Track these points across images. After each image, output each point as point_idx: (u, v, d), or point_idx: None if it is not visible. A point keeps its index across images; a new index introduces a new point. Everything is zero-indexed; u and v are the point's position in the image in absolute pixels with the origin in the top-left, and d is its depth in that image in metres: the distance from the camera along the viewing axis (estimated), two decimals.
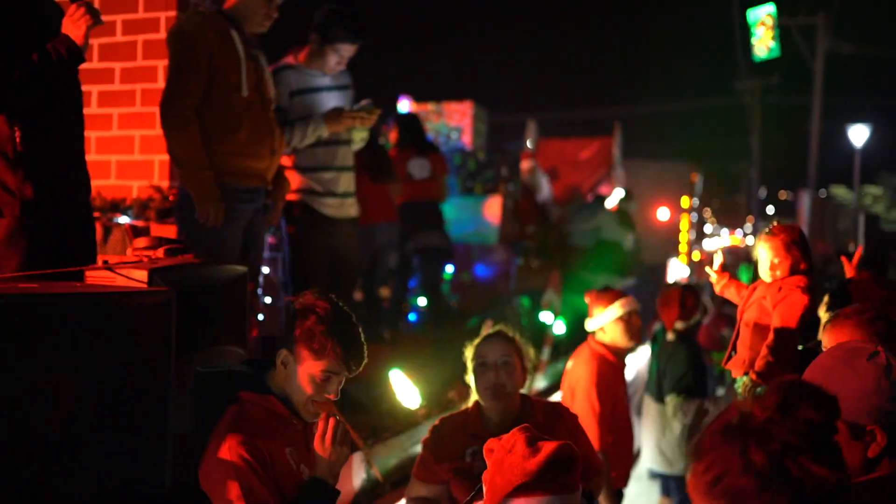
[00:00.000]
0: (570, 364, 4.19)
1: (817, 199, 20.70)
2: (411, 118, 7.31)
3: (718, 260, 3.55)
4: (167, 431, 2.25)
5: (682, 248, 18.00)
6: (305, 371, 2.30)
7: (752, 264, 3.49)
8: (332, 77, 4.65)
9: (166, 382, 2.24)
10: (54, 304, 2.08)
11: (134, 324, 2.18)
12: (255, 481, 2.15)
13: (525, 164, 9.90)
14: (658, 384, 5.01)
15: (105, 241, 4.11)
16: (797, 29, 22.92)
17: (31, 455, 2.00)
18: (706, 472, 1.39)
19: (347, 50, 4.57)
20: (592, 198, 11.50)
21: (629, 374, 7.86)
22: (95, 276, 2.54)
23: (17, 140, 2.82)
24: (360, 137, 4.73)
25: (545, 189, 10.37)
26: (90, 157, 4.23)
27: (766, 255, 3.22)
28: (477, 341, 2.99)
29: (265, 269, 4.57)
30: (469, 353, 2.97)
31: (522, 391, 3.00)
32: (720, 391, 5.30)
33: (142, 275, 2.47)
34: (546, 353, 6.84)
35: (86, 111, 3.17)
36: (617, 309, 4.04)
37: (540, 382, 6.57)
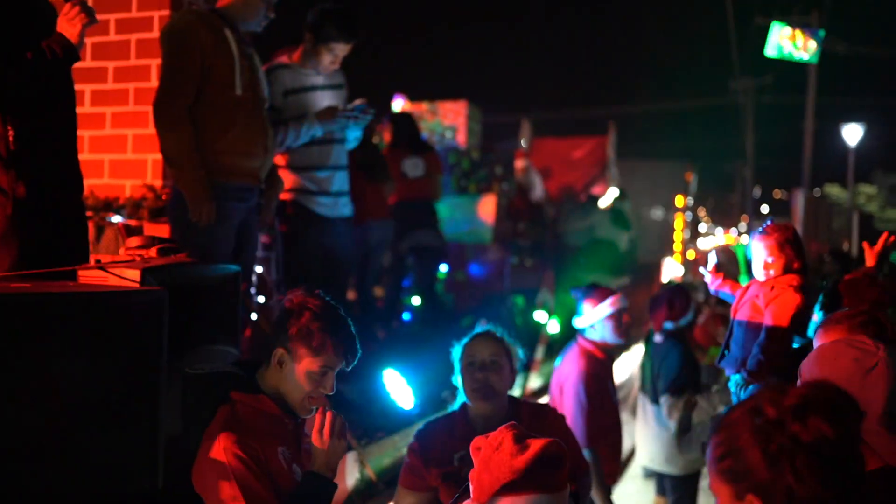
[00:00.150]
0: (557, 361, 4.21)
1: (811, 198, 20.70)
2: (405, 117, 7.30)
3: (713, 260, 3.55)
4: (159, 431, 2.24)
5: (677, 246, 18.05)
6: (304, 368, 2.30)
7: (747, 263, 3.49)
8: (325, 76, 4.64)
9: (158, 382, 2.24)
10: (47, 304, 2.07)
11: (126, 323, 2.18)
12: (253, 479, 2.15)
13: (519, 164, 9.90)
14: (653, 384, 5.02)
15: (98, 241, 4.10)
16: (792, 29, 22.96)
17: (23, 454, 2.00)
18: (716, 447, 1.40)
19: (341, 49, 4.57)
20: (585, 197, 11.51)
21: (625, 374, 7.90)
22: (88, 276, 2.53)
23: (10, 139, 2.81)
24: (353, 137, 4.73)
25: (539, 188, 10.39)
26: (83, 157, 4.22)
27: (759, 254, 3.22)
28: (465, 341, 2.92)
29: (258, 269, 4.56)
30: (457, 353, 2.91)
31: (511, 393, 2.96)
32: (715, 388, 5.29)
33: (134, 274, 2.46)
34: (540, 352, 6.85)
35: (79, 110, 3.17)
36: (607, 306, 4.05)
37: (534, 382, 6.58)
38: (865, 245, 3.66)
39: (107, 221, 4.23)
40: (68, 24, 2.93)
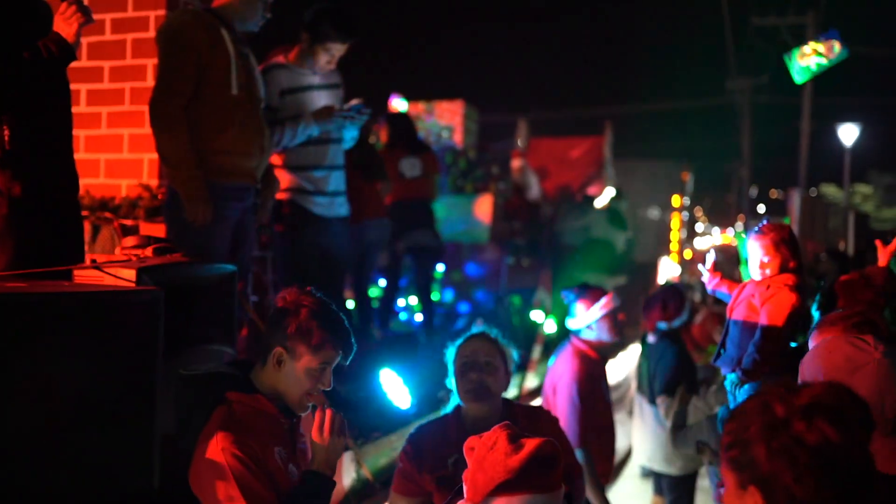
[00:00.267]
0: (551, 361, 4.20)
1: (808, 197, 20.73)
2: (402, 117, 7.30)
3: (711, 259, 3.55)
4: (155, 431, 2.24)
5: (674, 246, 18.06)
6: (304, 366, 2.30)
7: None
8: (322, 76, 4.64)
9: (154, 382, 2.24)
10: (42, 304, 2.07)
11: (122, 323, 2.18)
12: (252, 479, 2.14)
13: (515, 163, 9.91)
14: (649, 385, 5.02)
15: (94, 240, 4.10)
16: (787, 29, 23.00)
17: (19, 454, 1.99)
18: (727, 434, 1.41)
19: (338, 49, 4.56)
20: (581, 198, 11.52)
21: (621, 374, 7.91)
22: (84, 276, 2.53)
23: (6, 139, 2.81)
24: (349, 136, 4.73)
25: (535, 188, 10.40)
26: (79, 156, 4.21)
27: (755, 253, 3.23)
28: (459, 342, 2.88)
29: (254, 268, 4.56)
30: (451, 354, 2.87)
31: (507, 393, 2.93)
32: (713, 388, 5.30)
33: (130, 274, 2.46)
34: (537, 351, 6.85)
35: (75, 110, 3.16)
36: (602, 307, 4.05)
37: (531, 381, 6.58)
38: (878, 244, 3.65)
39: (103, 221, 4.23)
40: (65, 24, 2.93)
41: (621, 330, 4.16)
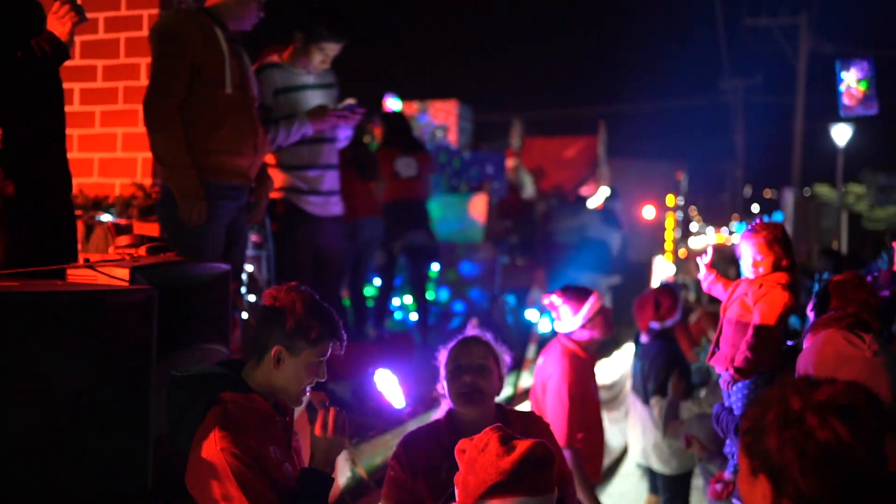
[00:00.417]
0: (540, 360, 4.19)
1: (801, 197, 20.80)
2: (398, 116, 7.30)
3: (709, 255, 3.54)
4: (149, 430, 2.24)
5: (668, 245, 18.09)
6: (304, 361, 2.31)
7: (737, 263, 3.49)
8: (316, 75, 4.64)
9: (148, 381, 2.23)
10: (35, 303, 2.06)
11: (115, 322, 2.17)
12: (253, 477, 2.13)
13: (509, 163, 9.92)
14: (643, 385, 5.02)
15: (87, 239, 4.09)
16: (780, 29, 23.07)
17: (12, 453, 1.99)
18: (745, 420, 1.42)
19: (332, 49, 4.56)
20: (574, 198, 11.53)
21: (616, 373, 7.91)
22: (77, 275, 2.52)
23: None
24: (344, 136, 4.73)
25: (529, 187, 10.41)
26: (72, 155, 4.20)
27: (748, 252, 3.23)
28: (451, 345, 2.80)
29: (249, 268, 4.55)
30: (443, 358, 2.80)
31: (502, 394, 2.89)
32: (703, 393, 5.31)
33: (123, 273, 2.46)
34: (532, 350, 6.85)
35: (68, 109, 3.15)
36: (590, 308, 4.05)
37: (526, 380, 6.58)
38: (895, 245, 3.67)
39: (96, 220, 4.22)
40: (58, 23, 2.92)
41: (612, 325, 4.17)
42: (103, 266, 2.51)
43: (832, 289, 3.21)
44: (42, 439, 2.04)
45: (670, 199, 18.45)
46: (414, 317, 7.00)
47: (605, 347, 8.57)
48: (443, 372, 2.78)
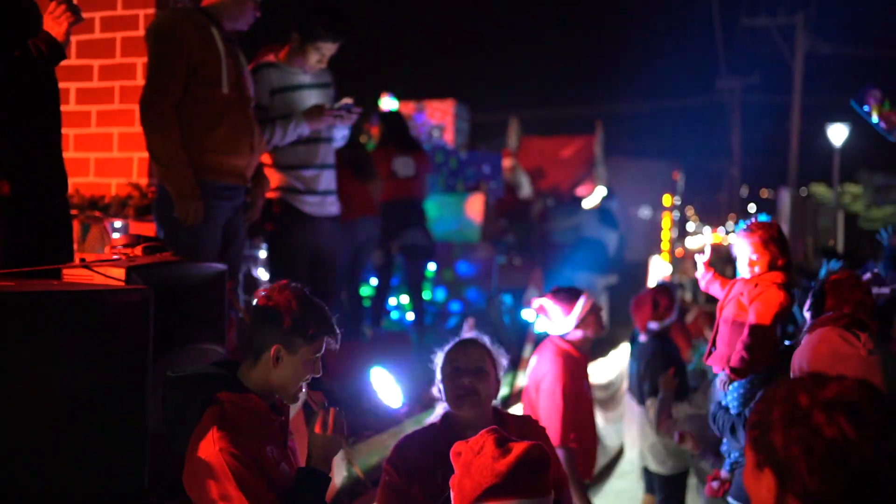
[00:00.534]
0: (533, 360, 4.19)
1: (797, 197, 20.83)
2: (395, 116, 7.29)
3: (707, 253, 3.54)
4: (145, 430, 2.24)
5: (665, 245, 18.10)
6: (301, 358, 2.32)
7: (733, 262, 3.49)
8: (312, 75, 4.63)
9: (144, 381, 2.23)
10: (31, 303, 2.06)
11: (112, 322, 2.17)
12: (252, 477, 2.13)
13: (506, 163, 9.92)
14: (639, 386, 5.03)
15: (83, 239, 4.09)
16: (777, 29, 23.10)
17: (7, 453, 1.99)
18: (753, 413, 1.42)
19: (328, 48, 4.56)
20: (571, 198, 11.54)
21: (612, 373, 7.92)
22: (73, 275, 2.52)
23: None
24: (340, 135, 4.73)
25: (526, 187, 10.41)
26: (69, 155, 4.20)
27: (743, 251, 3.23)
28: (448, 347, 2.77)
29: (245, 267, 4.55)
30: (440, 360, 2.76)
31: (499, 394, 2.85)
32: (695, 394, 5.32)
33: (119, 273, 2.46)
34: (528, 350, 6.85)
35: (64, 108, 3.15)
36: (586, 304, 4.07)
37: (523, 380, 6.59)
38: None
39: (92, 220, 4.21)
40: (54, 23, 2.92)
41: (603, 323, 4.18)
42: (99, 266, 2.51)
43: (828, 289, 3.22)
44: (39, 439, 2.04)
45: (667, 199, 18.45)
46: (410, 316, 7.00)
47: (601, 347, 8.58)
48: (439, 374, 2.74)
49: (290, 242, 4.59)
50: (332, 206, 4.76)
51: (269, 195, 4.49)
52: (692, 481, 5.21)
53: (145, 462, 2.25)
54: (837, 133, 23.69)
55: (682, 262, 19.51)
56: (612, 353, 8.48)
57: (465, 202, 8.47)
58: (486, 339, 2.80)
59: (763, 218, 3.30)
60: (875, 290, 3.88)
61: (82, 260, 2.63)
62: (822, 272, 3.29)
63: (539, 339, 7.02)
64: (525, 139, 14.20)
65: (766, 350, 3.12)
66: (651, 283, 11.91)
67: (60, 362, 2.07)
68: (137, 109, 3.74)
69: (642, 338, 5.15)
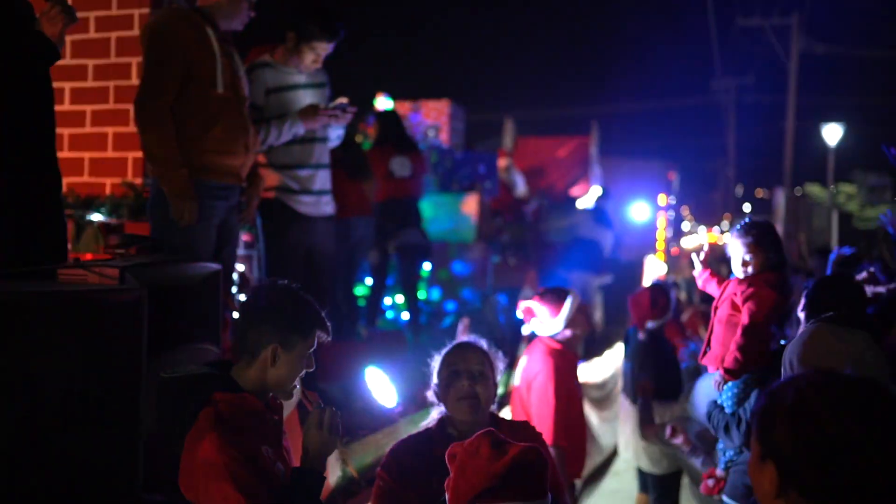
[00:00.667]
0: (523, 360, 4.19)
1: (792, 196, 20.88)
2: (392, 115, 7.29)
3: (705, 251, 3.54)
4: (139, 430, 2.23)
5: (660, 245, 18.10)
6: (297, 355, 2.34)
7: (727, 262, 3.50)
8: (307, 75, 4.63)
9: (138, 381, 2.23)
10: (25, 303, 2.06)
11: (105, 322, 2.17)
12: (250, 477, 2.13)
13: (501, 163, 9.93)
14: (633, 386, 5.04)
15: (77, 239, 4.08)
16: (772, 29, 23.14)
17: (1, 454, 1.98)
18: (760, 404, 1.42)
19: (324, 48, 4.56)
20: (565, 198, 11.55)
21: (607, 372, 7.93)
22: (67, 275, 2.52)
23: None
24: (335, 135, 4.73)
25: (521, 187, 10.42)
26: (63, 155, 4.19)
27: (737, 251, 3.24)
28: (446, 350, 2.72)
29: (240, 267, 4.55)
30: (436, 362, 2.71)
31: (495, 394, 2.80)
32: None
33: (114, 273, 2.46)
34: (523, 349, 6.85)
35: (58, 108, 3.15)
36: (573, 303, 4.09)
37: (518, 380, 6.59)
38: None
39: (87, 220, 4.21)
40: (49, 24, 2.91)
41: (591, 320, 4.21)
42: (94, 266, 2.51)
43: (822, 288, 3.23)
44: (32, 439, 2.03)
45: (662, 199, 18.45)
46: (405, 316, 7.00)
47: (596, 346, 8.58)
48: (436, 378, 2.69)
49: (285, 242, 4.59)
50: (327, 206, 4.76)
51: (265, 195, 4.49)
52: (685, 480, 5.23)
53: (139, 462, 2.24)
54: (832, 133, 23.77)
55: (678, 261, 19.53)
56: (607, 352, 8.48)
57: (461, 202, 8.48)
58: (484, 343, 2.75)
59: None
60: (870, 289, 3.90)
61: (77, 260, 2.64)
62: (829, 267, 3.29)
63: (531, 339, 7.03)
64: (520, 139, 14.20)
65: (759, 351, 3.13)
66: (646, 282, 11.93)
67: (54, 362, 2.07)
68: (132, 109, 3.74)
69: (640, 335, 5.16)
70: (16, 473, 2.01)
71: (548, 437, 3.69)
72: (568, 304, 4.06)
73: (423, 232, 6.92)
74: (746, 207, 39.43)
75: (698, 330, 8.28)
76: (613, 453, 7.54)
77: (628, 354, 5.27)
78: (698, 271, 3.50)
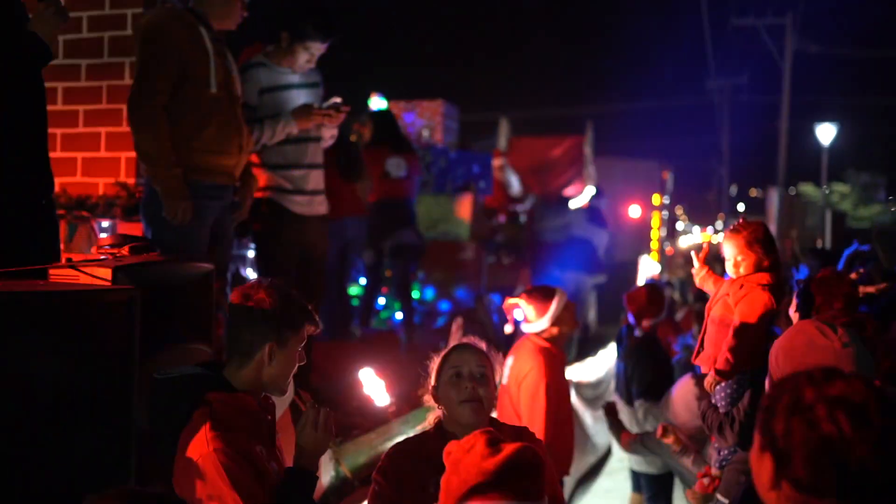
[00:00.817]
0: (510, 359, 4.17)
1: (786, 196, 20.94)
2: (387, 115, 7.29)
3: (704, 250, 3.54)
4: (132, 429, 2.23)
5: (654, 244, 18.14)
6: (291, 350, 2.35)
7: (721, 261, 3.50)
8: (301, 75, 4.63)
9: (131, 381, 2.23)
10: (17, 303, 2.06)
11: (98, 322, 2.17)
12: (246, 477, 2.13)
13: (496, 162, 9.93)
14: (627, 387, 5.04)
15: (70, 239, 4.07)
16: (766, 29, 23.21)
17: None
18: (764, 398, 1.43)
19: (318, 48, 4.55)
20: (559, 198, 11.55)
21: (601, 372, 7.94)
22: (60, 275, 2.52)
23: None
24: (329, 135, 4.73)
25: (515, 187, 10.42)
26: (56, 155, 4.18)
27: (730, 252, 3.23)
28: (445, 352, 2.66)
29: (233, 267, 4.54)
30: (435, 364, 2.66)
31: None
32: None
33: (106, 273, 2.46)
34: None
35: (51, 108, 3.14)
36: (561, 301, 4.10)
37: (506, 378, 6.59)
38: None
39: (79, 220, 4.20)
40: (41, 24, 2.91)
41: (578, 318, 4.22)
42: (86, 266, 2.51)
43: (814, 288, 3.23)
44: (24, 439, 2.03)
45: (656, 198, 18.49)
46: (399, 316, 7.01)
47: (589, 346, 8.60)
48: (433, 379, 2.64)
49: (278, 242, 4.59)
50: (320, 206, 4.75)
51: (258, 195, 4.49)
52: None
53: (132, 462, 2.24)
54: (826, 133, 23.83)
55: (672, 260, 19.58)
56: (601, 351, 8.50)
57: (455, 202, 8.48)
58: (483, 344, 2.70)
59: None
60: (862, 288, 3.91)
61: (69, 260, 2.63)
62: (804, 273, 3.31)
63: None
64: (515, 139, 14.19)
65: (750, 352, 3.12)
66: (640, 282, 11.95)
67: (46, 362, 2.07)
68: (125, 109, 3.73)
69: (636, 332, 5.17)
70: (7, 473, 2.01)
71: (539, 434, 3.70)
72: (555, 303, 4.08)
73: (418, 232, 6.92)
74: (740, 207, 39.55)
75: (693, 329, 8.30)
76: (607, 453, 7.56)
77: (621, 354, 5.27)
78: (697, 269, 3.51)
